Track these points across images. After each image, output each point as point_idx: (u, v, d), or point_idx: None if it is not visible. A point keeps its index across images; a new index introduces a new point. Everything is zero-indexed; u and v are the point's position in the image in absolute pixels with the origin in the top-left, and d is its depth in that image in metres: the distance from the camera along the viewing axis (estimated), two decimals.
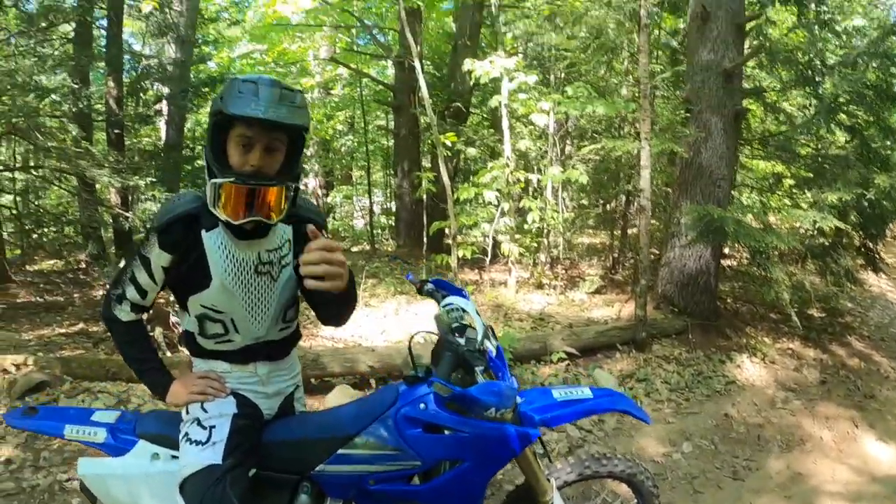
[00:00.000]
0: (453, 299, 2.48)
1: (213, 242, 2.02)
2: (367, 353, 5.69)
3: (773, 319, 7.74)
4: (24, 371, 5.10)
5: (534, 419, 2.31)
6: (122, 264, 2.18)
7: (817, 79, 7.29)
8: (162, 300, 7.11)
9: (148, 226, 2.05)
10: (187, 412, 2.18)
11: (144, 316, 2.26)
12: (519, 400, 2.31)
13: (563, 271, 9.92)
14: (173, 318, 6.29)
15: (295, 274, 2.15)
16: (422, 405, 2.17)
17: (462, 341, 2.25)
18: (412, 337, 2.44)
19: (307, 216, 2.14)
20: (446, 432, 2.19)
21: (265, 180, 1.90)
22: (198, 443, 2.07)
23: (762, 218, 6.70)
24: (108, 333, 2.28)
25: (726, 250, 8.40)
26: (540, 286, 9.13)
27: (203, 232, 2.01)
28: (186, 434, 2.11)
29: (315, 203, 16.32)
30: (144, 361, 2.22)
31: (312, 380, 5.48)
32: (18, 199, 11.24)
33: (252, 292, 2.11)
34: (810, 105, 8.05)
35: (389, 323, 7.65)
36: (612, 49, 8.93)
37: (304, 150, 2.12)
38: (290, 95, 1.87)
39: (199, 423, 2.11)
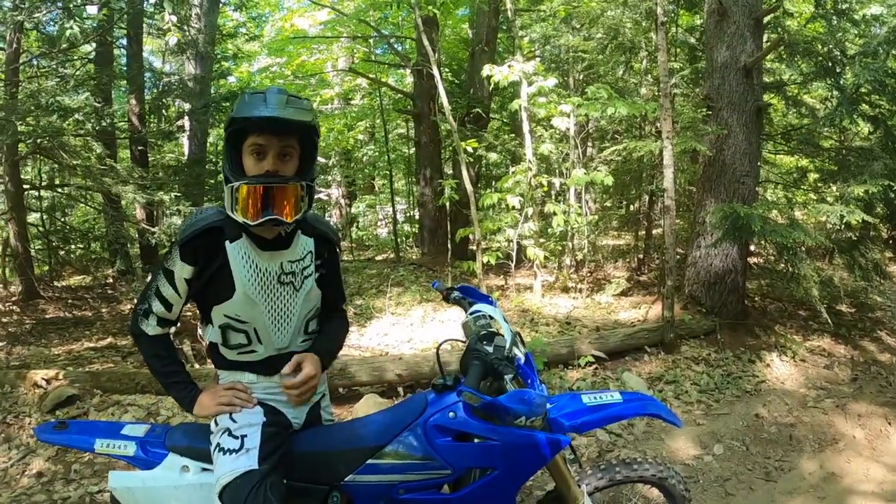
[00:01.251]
0: (480, 306, 2.49)
1: (237, 253, 2.08)
2: (394, 361, 5.71)
3: (802, 317, 7.63)
4: (55, 385, 5.19)
5: (564, 425, 2.30)
6: (148, 279, 2.24)
7: (838, 70, 7.17)
8: (189, 313, 7.21)
9: (173, 239, 2.13)
10: (216, 424, 2.19)
11: (172, 330, 2.29)
12: (548, 406, 2.30)
13: (589, 274, 9.88)
14: (201, 331, 6.36)
15: (317, 286, 2.25)
16: (451, 414, 2.17)
17: (490, 349, 2.24)
18: (440, 345, 2.45)
19: (325, 232, 2.29)
20: (476, 440, 2.18)
21: (279, 179, 1.99)
22: (231, 451, 2.08)
23: (788, 213, 6.61)
24: (136, 348, 2.32)
25: (753, 248, 8.29)
26: (566, 290, 9.09)
27: (227, 243, 2.07)
28: (219, 444, 2.12)
29: (332, 219, 16.42)
30: (171, 375, 2.24)
31: (341, 389, 5.51)
32: (45, 216, 11.42)
33: (275, 302, 2.16)
34: (832, 97, 7.92)
35: (416, 331, 7.67)
36: (630, 49, 8.89)
37: (320, 160, 2.19)
38: (296, 101, 1.99)
39: (230, 433, 2.12)
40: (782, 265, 7.43)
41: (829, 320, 6.67)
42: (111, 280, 11.17)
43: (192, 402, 2.21)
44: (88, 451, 2.40)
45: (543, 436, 2.18)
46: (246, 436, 2.11)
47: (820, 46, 7.30)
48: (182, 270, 2.08)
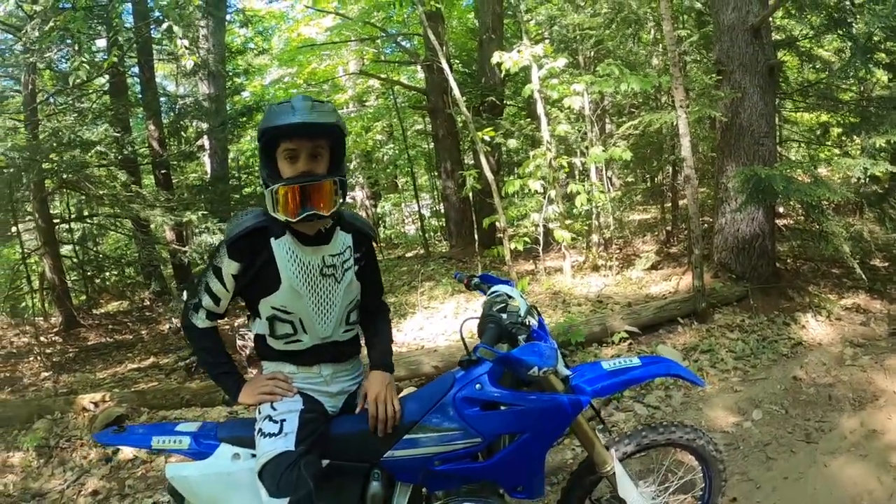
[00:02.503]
0: (498, 287, 2.64)
1: (282, 248, 2.26)
2: (429, 354, 5.80)
3: (835, 275, 7.49)
4: (103, 407, 5.34)
5: (586, 390, 2.41)
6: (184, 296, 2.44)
7: (849, 20, 7.00)
8: (227, 326, 7.35)
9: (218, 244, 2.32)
10: (259, 412, 2.34)
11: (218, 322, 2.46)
12: (570, 373, 2.44)
13: (618, 251, 9.83)
14: (240, 342, 6.49)
15: (356, 278, 2.43)
16: (477, 385, 2.32)
17: (504, 315, 2.37)
18: (463, 323, 2.56)
19: (365, 230, 2.49)
20: (503, 408, 2.32)
21: (313, 178, 2.15)
22: (271, 435, 2.23)
23: (811, 171, 6.50)
24: (180, 363, 2.53)
25: (781, 209, 8.17)
26: (596, 269, 9.06)
27: (273, 240, 2.25)
28: (260, 429, 2.28)
29: (364, 216, 16.56)
30: (219, 365, 2.43)
31: None
32: (78, 247, 11.69)
33: (318, 293, 2.32)
34: (846, 48, 7.74)
35: (450, 323, 7.72)
36: (636, 21, 8.80)
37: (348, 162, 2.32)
38: (321, 105, 2.17)
39: (271, 419, 2.28)
40: (812, 224, 7.32)
41: (863, 276, 6.56)
42: (148, 302, 11.44)
43: (237, 392, 2.39)
44: (146, 448, 2.54)
45: (565, 397, 2.33)
46: (285, 420, 2.26)
47: None
48: (229, 267, 2.25)
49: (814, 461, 3.95)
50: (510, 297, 2.54)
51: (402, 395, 5.23)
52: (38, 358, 8.00)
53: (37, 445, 4.87)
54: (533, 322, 2.44)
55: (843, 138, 8.47)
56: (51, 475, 4.57)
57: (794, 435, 4.33)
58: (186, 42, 6.99)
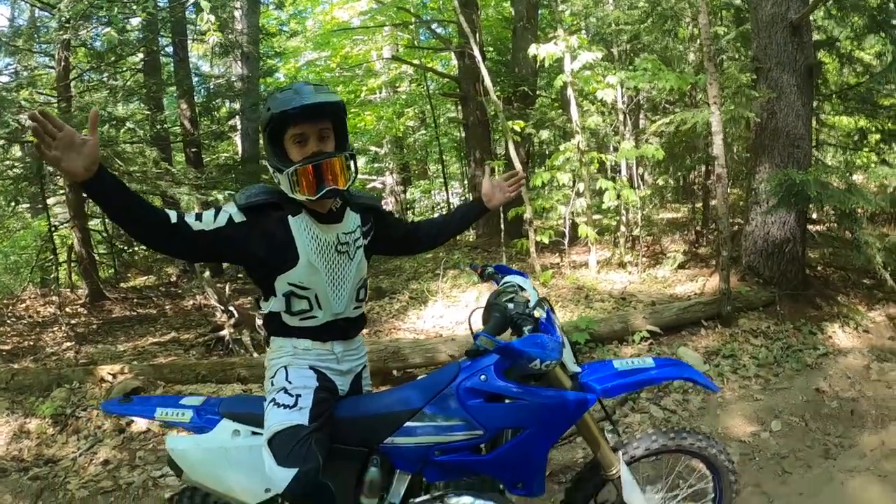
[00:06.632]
0: (511, 277, 2.64)
1: (299, 225, 2.32)
2: (446, 342, 5.75)
3: (866, 285, 7.28)
4: (120, 379, 5.42)
5: (595, 389, 2.37)
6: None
7: (892, 21, 6.77)
8: (248, 305, 7.36)
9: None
10: (272, 384, 2.38)
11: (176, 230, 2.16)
12: (579, 370, 2.41)
13: (646, 248, 9.69)
14: (259, 321, 6.52)
15: (364, 255, 2.51)
16: (482, 377, 2.30)
17: (511, 305, 2.36)
18: (471, 313, 2.53)
19: (369, 203, 2.60)
20: (507, 401, 2.30)
21: (326, 154, 2.24)
22: (286, 406, 2.27)
23: (846, 178, 6.32)
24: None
25: (814, 215, 7.97)
26: (622, 265, 8.96)
27: (290, 217, 2.31)
28: (274, 399, 2.31)
29: (388, 206, 16.60)
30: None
31: (395, 371, 5.60)
32: (108, 221, 11.83)
33: (333, 269, 2.38)
34: (887, 52, 7.50)
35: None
36: (673, 16, 8.62)
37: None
38: (321, 87, 2.27)
39: (287, 392, 2.31)
40: (845, 232, 7.14)
41: (895, 288, 6.39)
42: (174, 278, 11.56)
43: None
44: (149, 418, 2.62)
45: (571, 394, 2.31)
46: (300, 395, 2.30)
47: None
48: (231, 209, 2.25)
49: (831, 478, 3.83)
50: (521, 287, 2.52)
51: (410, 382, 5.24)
52: (62, 328, 8.11)
53: (53, 413, 4.96)
54: (541, 314, 2.39)
55: (882, 145, 8.22)
56: (65, 443, 4.67)
57: (813, 449, 4.22)
58: (213, 17, 7.01)
